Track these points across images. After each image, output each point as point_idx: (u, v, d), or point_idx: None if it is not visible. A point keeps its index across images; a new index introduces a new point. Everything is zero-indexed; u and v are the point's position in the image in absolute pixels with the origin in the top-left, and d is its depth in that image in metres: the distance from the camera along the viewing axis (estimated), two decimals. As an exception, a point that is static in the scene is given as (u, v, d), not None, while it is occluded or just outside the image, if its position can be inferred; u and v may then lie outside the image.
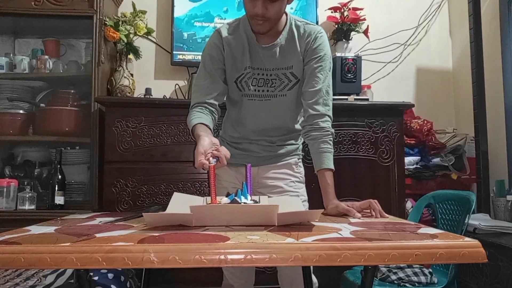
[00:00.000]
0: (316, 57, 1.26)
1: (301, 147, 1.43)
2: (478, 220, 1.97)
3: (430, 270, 1.59)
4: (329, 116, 1.26)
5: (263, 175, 1.35)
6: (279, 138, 1.36)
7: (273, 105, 1.30)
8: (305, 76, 1.28)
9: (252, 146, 1.36)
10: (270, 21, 1.19)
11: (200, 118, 1.21)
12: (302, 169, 1.42)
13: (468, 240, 0.73)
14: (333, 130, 1.27)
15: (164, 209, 1.05)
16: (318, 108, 1.24)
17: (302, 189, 1.40)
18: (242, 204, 0.94)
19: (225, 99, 1.38)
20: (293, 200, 1.13)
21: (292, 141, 1.39)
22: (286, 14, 1.28)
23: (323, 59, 1.26)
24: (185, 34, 2.43)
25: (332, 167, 1.23)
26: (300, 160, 1.42)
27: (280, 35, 1.26)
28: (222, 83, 1.30)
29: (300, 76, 1.29)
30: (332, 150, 1.25)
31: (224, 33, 1.29)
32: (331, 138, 1.26)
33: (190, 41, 2.43)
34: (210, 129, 1.19)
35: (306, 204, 1.39)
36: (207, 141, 1.07)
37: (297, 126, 1.39)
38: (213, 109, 1.28)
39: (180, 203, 1.06)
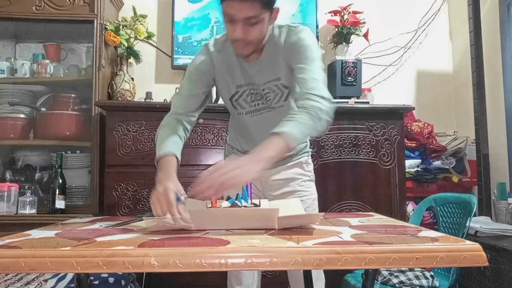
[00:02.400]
0: (297, 53, 1.17)
1: (309, 143, 1.43)
2: (479, 223, 1.97)
3: (432, 273, 1.59)
4: (317, 95, 1.08)
5: (274, 177, 1.35)
6: None
7: (275, 116, 1.25)
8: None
9: None
10: (252, 44, 1.16)
11: (174, 144, 1.13)
12: (311, 166, 1.42)
13: (469, 244, 0.73)
14: (319, 105, 1.06)
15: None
16: (300, 93, 1.13)
17: (312, 188, 1.40)
18: (242, 207, 0.94)
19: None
20: (293, 202, 1.13)
21: None
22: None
23: (304, 50, 1.16)
24: (180, 37, 2.43)
25: (282, 130, 1.00)
26: (309, 157, 1.42)
27: (265, 48, 1.22)
28: (204, 98, 1.28)
29: (290, 84, 1.25)
30: (298, 117, 1.03)
31: (212, 49, 1.26)
32: (308, 111, 1.05)
33: (186, 44, 2.42)
34: (178, 159, 1.11)
35: (316, 202, 1.39)
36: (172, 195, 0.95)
37: None
38: (188, 126, 1.25)
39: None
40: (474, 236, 1.91)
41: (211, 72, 1.26)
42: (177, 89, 1.30)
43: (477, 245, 0.72)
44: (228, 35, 1.17)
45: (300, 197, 1.30)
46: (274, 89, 1.25)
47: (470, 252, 0.71)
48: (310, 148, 1.44)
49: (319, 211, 1.39)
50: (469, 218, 1.55)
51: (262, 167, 0.94)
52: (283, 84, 1.25)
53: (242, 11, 1.07)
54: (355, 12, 2.48)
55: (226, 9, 1.09)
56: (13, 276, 1.60)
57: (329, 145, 2.11)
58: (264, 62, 1.23)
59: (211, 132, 2.09)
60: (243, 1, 1.05)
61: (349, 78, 2.31)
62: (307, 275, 1.27)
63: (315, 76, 1.13)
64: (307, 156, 1.40)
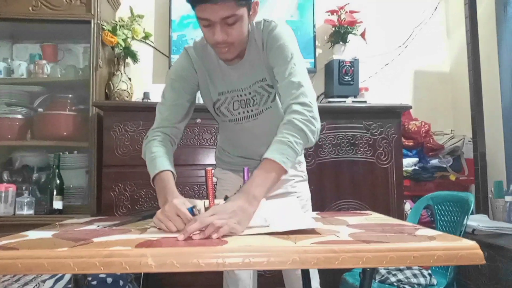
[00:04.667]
0: (275, 54, 1.12)
1: None
2: (476, 221, 1.97)
3: (429, 271, 1.59)
4: (297, 103, 1.03)
5: None
6: None
7: (264, 120, 1.22)
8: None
9: (254, 154, 1.29)
10: (235, 45, 1.09)
11: (166, 160, 1.09)
12: (304, 166, 1.39)
13: (466, 242, 0.73)
14: (306, 117, 1.01)
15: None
16: (284, 102, 1.08)
17: (305, 188, 1.37)
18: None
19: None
20: (290, 201, 1.13)
21: None
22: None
23: (280, 52, 1.11)
24: (175, 35, 2.41)
25: (273, 157, 0.95)
26: (302, 155, 1.38)
27: (247, 51, 1.16)
28: (189, 106, 1.22)
29: (274, 82, 1.18)
30: (286, 139, 0.98)
31: (192, 53, 1.21)
32: (295, 125, 1.00)
33: (180, 42, 2.41)
34: (175, 175, 1.08)
35: (309, 203, 1.38)
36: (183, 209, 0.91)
37: None
38: (175, 139, 1.20)
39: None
40: (471, 234, 1.92)
41: (194, 77, 1.21)
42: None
43: (474, 243, 0.71)
44: (208, 41, 1.09)
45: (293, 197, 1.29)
46: (260, 91, 1.19)
47: (468, 251, 0.71)
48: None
49: (317, 210, 1.39)
50: (466, 216, 1.56)
51: (257, 206, 0.91)
52: (268, 84, 1.19)
53: (217, 12, 1.00)
54: (352, 12, 2.49)
55: (200, 14, 1.03)
56: (10, 277, 1.60)
57: (327, 144, 2.11)
58: (247, 64, 1.17)
59: (208, 131, 2.09)
60: (215, 3, 0.99)
61: (346, 77, 2.32)
62: (305, 274, 1.27)
63: (296, 78, 1.07)
64: (300, 155, 1.35)
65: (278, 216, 0.94)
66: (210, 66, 1.20)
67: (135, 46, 2.37)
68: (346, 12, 2.48)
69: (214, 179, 1.39)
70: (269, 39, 1.13)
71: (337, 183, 2.11)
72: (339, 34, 2.47)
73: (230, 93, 1.21)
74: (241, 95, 1.21)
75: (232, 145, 1.35)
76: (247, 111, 1.23)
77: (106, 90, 2.30)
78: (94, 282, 1.53)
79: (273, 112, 1.23)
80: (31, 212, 2.03)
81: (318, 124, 1.04)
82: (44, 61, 2.24)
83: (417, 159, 2.39)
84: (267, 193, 0.94)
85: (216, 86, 1.21)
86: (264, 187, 0.93)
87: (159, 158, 1.09)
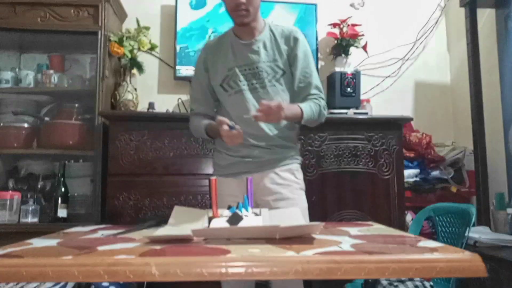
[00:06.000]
0: (300, 60, 1.43)
1: (298, 152, 1.48)
2: (478, 233, 1.97)
3: (431, 283, 1.59)
4: (321, 97, 1.44)
5: (267, 182, 1.37)
6: (275, 135, 1.40)
7: (266, 96, 1.38)
8: (294, 75, 1.43)
9: (251, 151, 1.38)
10: (250, 11, 1.35)
11: (206, 121, 1.44)
12: (301, 175, 1.46)
13: (468, 254, 0.73)
14: (323, 103, 1.43)
15: (163, 222, 1.07)
16: (310, 93, 1.43)
17: (303, 197, 1.42)
18: (242, 226, 0.94)
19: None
20: (293, 212, 1.14)
21: (289, 137, 1.44)
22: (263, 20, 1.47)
23: (305, 58, 1.44)
24: (178, 47, 2.45)
25: (303, 108, 1.35)
26: (299, 165, 1.46)
27: (260, 34, 1.43)
28: (213, 93, 1.49)
29: (286, 69, 1.42)
30: (312, 107, 1.38)
31: (209, 43, 1.53)
32: (318, 103, 1.41)
33: (183, 54, 2.44)
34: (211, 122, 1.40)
35: (307, 212, 1.40)
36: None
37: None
38: (210, 118, 1.46)
39: (181, 217, 1.08)
40: (473, 246, 1.92)
41: (207, 68, 1.47)
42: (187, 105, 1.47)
43: (476, 256, 0.72)
44: (228, 6, 1.36)
45: (292, 205, 1.31)
46: (267, 69, 1.40)
47: (470, 263, 0.71)
48: (299, 157, 1.48)
49: (319, 221, 1.40)
50: (468, 228, 1.56)
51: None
52: (278, 66, 1.40)
53: None
54: (354, 25, 2.52)
55: None
56: (14, 285, 1.61)
57: (329, 155, 2.13)
58: (259, 43, 1.41)
59: (212, 142, 2.10)
60: None
61: (348, 89, 2.34)
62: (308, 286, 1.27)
63: (316, 76, 1.45)
64: (298, 164, 1.45)
65: (283, 223, 0.96)
66: (223, 47, 1.45)
67: (141, 57, 2.40)
68: (348, 25, 2.51)
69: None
70: (297, 49, 1.41)
71: (339, 194, 2.12)
72: (341, 47, 2.50)
73: (238, 68, 1.41)
74: (247, 69, 1.40)
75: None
76: (251, 84, 1.39)
77: (112, 100, 2.33)
78: (97, 291, 1.54)
79: (275, 91, 1.40)
80: (36, 220, 2.04)
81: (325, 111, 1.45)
82: (51, 71, 2.27)
83: (418, 170, 2.40)
84: (290, 114, 1.31)
85: (226, 63, 1.43)
86: (291, 110, 1.32)
87: (203, 122, 1.45)
